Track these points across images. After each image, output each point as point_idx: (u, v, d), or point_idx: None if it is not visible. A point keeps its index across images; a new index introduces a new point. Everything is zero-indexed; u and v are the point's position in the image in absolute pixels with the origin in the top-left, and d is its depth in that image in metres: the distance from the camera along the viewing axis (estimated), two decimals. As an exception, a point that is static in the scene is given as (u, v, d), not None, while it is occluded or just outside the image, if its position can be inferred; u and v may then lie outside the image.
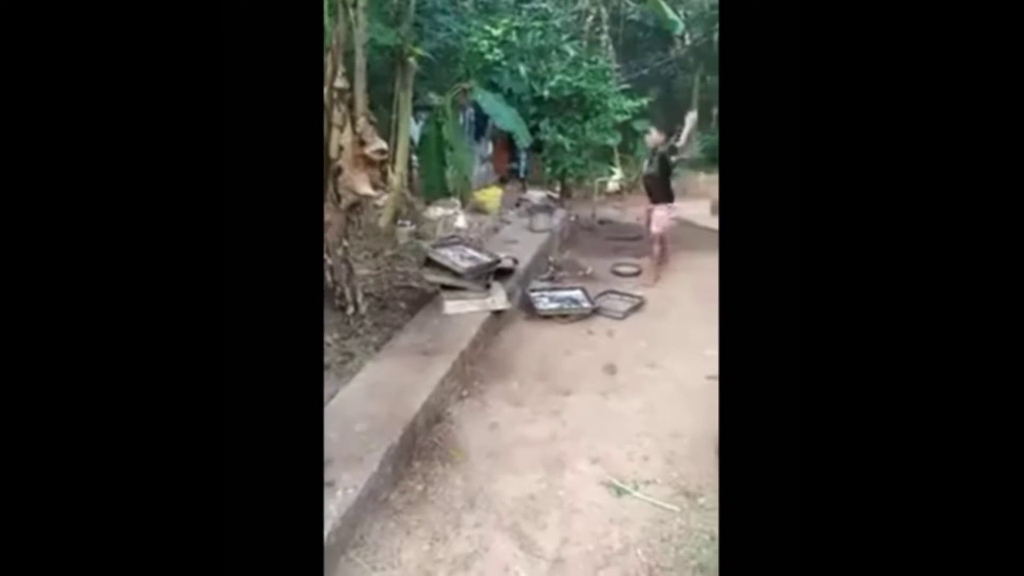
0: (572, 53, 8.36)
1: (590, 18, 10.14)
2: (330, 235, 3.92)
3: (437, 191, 6.28)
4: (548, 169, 8.59)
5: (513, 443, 3.12)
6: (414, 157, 6.72)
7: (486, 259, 4.73)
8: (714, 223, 8.12)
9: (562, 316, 4.91)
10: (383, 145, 3.94)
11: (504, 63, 7.88)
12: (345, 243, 4.08)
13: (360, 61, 3.98)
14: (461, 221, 6.64)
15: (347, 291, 4.09)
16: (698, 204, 8.61)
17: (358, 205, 4.08)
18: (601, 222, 8.43)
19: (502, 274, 4.94)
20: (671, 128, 6.08)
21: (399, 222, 6.08)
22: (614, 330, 4.73)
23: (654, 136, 6.13)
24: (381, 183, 4.43)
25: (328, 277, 4.05)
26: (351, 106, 3.83)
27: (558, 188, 9.01)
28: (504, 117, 6.41)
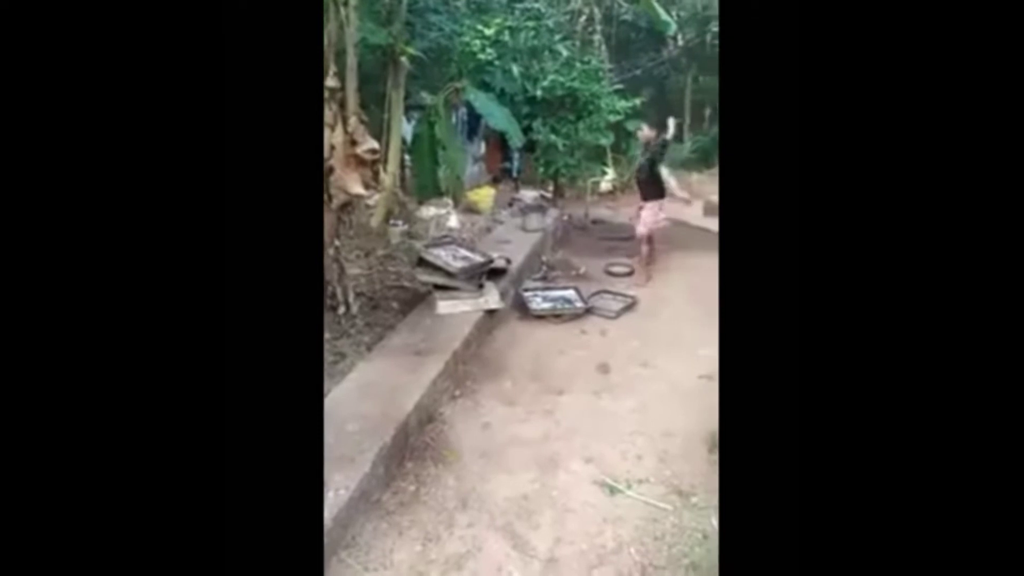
0: (565, 53, 8.36)
1: (583, 18, 10.14)
2: (322, 235, 3.90)
3: (429, 191, 6.26)
4: (541, 169, 8.58)
5: (506, 443, 3.11)
6: (406, 157, 6.70)
7: (479, 259, 4.72)
8: (707, 223, 8.16)
9: (555, 316, 4.91)
10: (375, 145, 3.92)
11: (497, 63, 7.86)
12: (337, 243, 4.07)
13: (351, 60, 3.96)
14: (454, 221, 6.62)
15: (339, 291, 4.08)
16: (692, 204, 8.63)
17: (350, 205, 4.06)
18: (594, 222, 8.43)
19: (495, 274, 4.93)
20: (663, 126, 6.10)
21: (391, 222, 6.06)
22: (607, 329, 4.74)
23: (646, 132, 6.15)
24: (373, 183, 4.41)
25: (320, 277, 4.03)
26: (342, 105, 3.81)
27: (551, 188, 9.00)
28: (497, 117, 6.41)
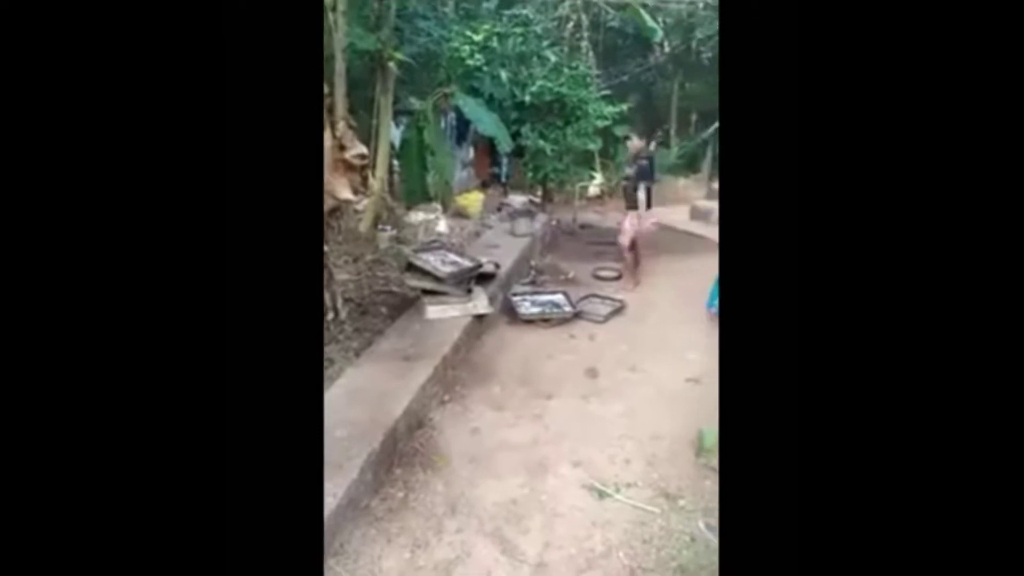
0: (553, 59, 8.39)
1: (571, 24, 10.20)
2: (310, 240, 3.89)
3: (418, 196, 6.26)
4: (529, 174, 8.61)
5: (495, 448, 3.11)
6: (395, 162, 6.69)
7: (468, 264, 4.73)
8: (693, 227, 8.24)
9: (544, 320, 4.92)
10: (363, 150, 3.92)
11: (485, 68, 7.88)
12: (325, 248, 4.05)
13: (340, 65, 3.97)
14: (442, 226, 6.62)
15: (327, 296, 4.06)
16: (677, 209, 8.71)
17: (338, 210, 4.05)
18: (582, 226, 8.48)
19: (484, 279, 4.94)
20: (652, 134, 6.15)
21: (380, 227, 6.05)
22: (595, 334, 4.76)
23: (635, 143, 6.22)
24: (361, 188, 4.41)
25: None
26: (331, 110, 3.81)
27: (539, 193, 9.03)
28: (485, 122, 6.42)
